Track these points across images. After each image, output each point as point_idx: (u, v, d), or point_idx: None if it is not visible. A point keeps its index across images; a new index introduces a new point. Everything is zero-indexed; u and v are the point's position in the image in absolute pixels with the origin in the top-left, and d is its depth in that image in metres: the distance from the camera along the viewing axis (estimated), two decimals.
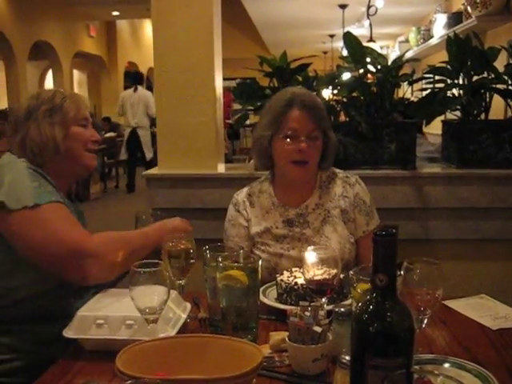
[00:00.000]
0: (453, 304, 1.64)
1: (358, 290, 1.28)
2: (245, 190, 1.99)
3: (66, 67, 12.45)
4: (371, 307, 0.85)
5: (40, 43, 11.29)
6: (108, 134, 10.90)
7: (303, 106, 1.81)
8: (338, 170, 1.99)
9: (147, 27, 15.70)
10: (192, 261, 1.51)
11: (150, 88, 12.21)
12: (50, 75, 12.82)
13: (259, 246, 1.90)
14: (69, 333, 1.33)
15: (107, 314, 1.34)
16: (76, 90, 14.35)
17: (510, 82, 2.45)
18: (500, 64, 2.49)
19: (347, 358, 1.00)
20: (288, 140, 1.80)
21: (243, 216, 1.93)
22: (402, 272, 1.22)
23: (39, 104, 1.63)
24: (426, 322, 1.23)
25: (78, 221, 1.54)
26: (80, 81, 15.35)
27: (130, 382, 0.92)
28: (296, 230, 1.88)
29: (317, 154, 1.84)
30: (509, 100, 2.50)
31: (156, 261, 1.28)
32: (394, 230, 0.81)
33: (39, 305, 1.52)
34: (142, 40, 15.78)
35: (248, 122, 3.21)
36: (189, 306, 1.49)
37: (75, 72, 14.44)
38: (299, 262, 1.70)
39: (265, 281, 1.66)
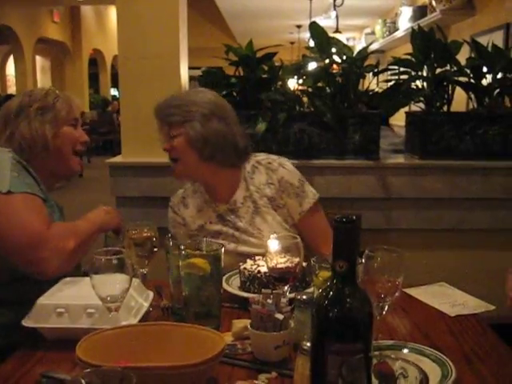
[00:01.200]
0: (413, 292, 1.67)
1: (320, 278, 1.29)
2: (180, 192, 2.01)
3: (28, 53, 12.19)
4: (331, 293, 0.86)
5: (1, 28, 11.02)
6: None
7: (157, 116, 1.86)
8: (261, 157, 1.94)
9: (112, 14, 15.45)
10: (155, 249, 1.50)
11: (114, 75, 12.03)
12: (11, 61, 12.52)
13: None
14: (28, 322, 1.31)
15: (68, 303, 1.32)
16: (39, 76, 14.08)
17: (471, 76, 2.49)
18: (462, 57, 2.53)
19: (308, 344, 1.01)
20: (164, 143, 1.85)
21: (180, 217, 1.95)
22: (363, 260, 1.23)
23: (31, 101, 1.65)
24: (386, 309, 1.25)
25: (48, 215, 1.55)
26: (43, 67, 15.05)
27: (90, 370, 0.91)
28: (229, 225, 1.88)
29: (182, 150, 1.79)
30: (470, 93, 2.55)
31: (118, 248, 1.27)
32: (354, 217, 0.82)
33: (13, 290, 1.52)
34: (107, 27, 15.54)
35: None
36: (151, 294, 1.48)
37: (38, 58, 14.15)
38: (238, 257, 1.74)
39: None
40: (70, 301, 1.33)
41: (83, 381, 0.85)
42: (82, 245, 1.53)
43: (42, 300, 1.35)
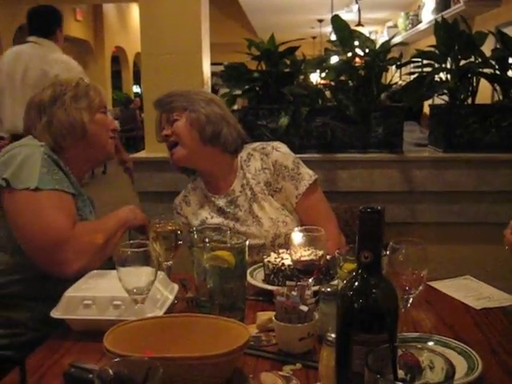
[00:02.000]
0: (437, 285, 1.65)
1: (345, 270, 1.29)
2: (181, 193, 2.01)
3: None
4: (356, 284, 0.86)
5: (25, 27, 11.16)
6: None
7: (157, 107, 1.90)
8: (256, 144, 1.94)
9: (134, 11, 15.54)
10: (179, 242, 1.51)
11: (136, 73, 12.11)
12: None
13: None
14: (56, 313, 1.33)
15: (95, 295, 1.34)
16: None
17: (496, 67, 2.46)
18: (487, 49, 2.50)
19: (333, 335, 1.02)
20: (157, 128, 1.89)
21: (182, 216, 1.95)
22: (387, 252, 1.23)
23: (65, 90, 1.67)
24: (410, 301, 1.25)
25: (75, 212, 1.57)
26: None
27: (117, 360, 0.92)
28: (230, 217, 1.88)
29: (183, 133, 1.81)
30: (495, 84, 2.52)
31: (144, 241, 1.28)
32: (378, 207, 0.82)
33: (45, 285, 1.53)
34: (129, 24, 15.63)
35: (236, 107, 3.21)
36: (176, 287, 1.49)
37: None
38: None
39: None
40: (97, 293, 1.35)
41: (111, 371, 0.86)
42: (108, 242, 1.55)
43: (70, 292, 1.37)
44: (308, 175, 1.86)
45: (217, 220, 1.88)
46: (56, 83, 1.72)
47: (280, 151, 1.87)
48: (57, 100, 1.65)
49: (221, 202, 1.90)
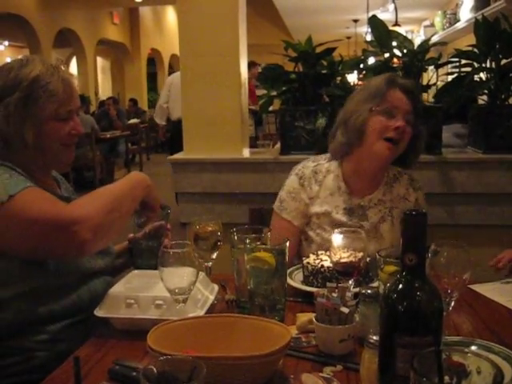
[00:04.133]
0: (479, 288, 1.63)
1: (385, 272, 1.28)
2: (310, 164, 1.92)
3: (90, 54, 12.56)
4: (401, 286, 0.86)
5: (64, 31, 11.40)
6: (132, 121, 11.00)
7: (404, 87, 1.80)
8: (403, 170, 1.95)
9: (170, 14, 15.73)
10: (219, 243, 1.52)
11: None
12: (74, 62, 12.93)
13: (315, 228, 1.87)
14: (100, 312, 1.36)
15: (137, 294, 1.36)
16: (100, 76, 14.49)
17: None
18: None
19: (375, 338, 1.02)
20: (385, 117, 1.76)
21: (307, 192, 1.88)
22: (429, 255, 1.22)
23: (15, 86, 1.40)
24: (452, 304, 1.23)
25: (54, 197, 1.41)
26: (103, 68, 15.48)
27: (162, 358, 0.94)
28: (354, 221, 1.83)
29: (407, 138, 1.79)
30: None
31: (185, 241, 1.30)
32: (423, 210, 0.82)
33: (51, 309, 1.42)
34: (164, 27, 15.82)
35: (271, 108, 3.22)
36: (216, 287, 1.51)
37: (99, 59, 14.56)
38: None
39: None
40: (140, 292, 1.37)
41: (155, 369, 0.88)
42: (115, 203, 1.38)
43: (113, 291, 1.40)
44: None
45: (342, 218, 1.84)
46: (11, 69, 1.43)
47: (423, 192, 1.95)
48: (2, 98, 1.40)
49: (354, 202, 1.86)
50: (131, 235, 1.66)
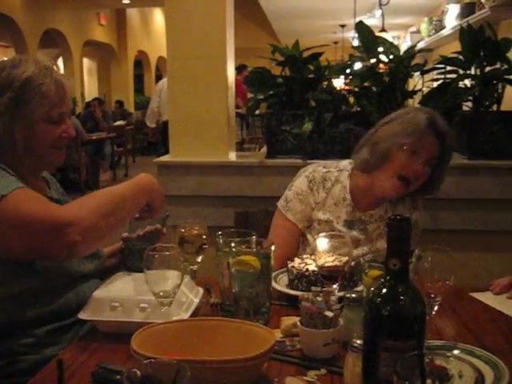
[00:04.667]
0: (481, 297, 1.63)
1: (369, 277, 1.29)
2: (321, 169, 1.92)
3: (76, 55, 12.49)
4: (384, 290, 0.86)
5: (51, 31, 11.33)
6: (118, 123, 10.96)
7: (441, 135, 1.77)
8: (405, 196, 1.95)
9: (157, 16, 15.70)
10: (205, 246, 1.52)
11: (158, 77, 12.16)
12: (60, 63, 12.86)
13: (313, 234, 1.87)
14: (84, 315, 1.35)
15: (122, 297, 1.36)
16: (86, 78, 14.41)
17: None
18: None
19: (358, 342, 1.02)
20: (410, 156, 1.75)
21: (314, 197, 1.89)
22: (413, 259, 1.23)
23: (7, 85, 1.39)
24: (435, 309, 1.25)
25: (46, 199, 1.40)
26: (90, 69, 15.40)
27: (145, 362, 0.94)
28: (353, 233, 1.85)
29: (420, 182, 1.80)
30: None
31: (170, 245, 1.30)
32: (407, 216, 0.82)
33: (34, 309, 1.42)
34: (151, 29, 15.78)
35: (258, 112, 3.22)
36: (201, 290, 1.50)
37: (85, 60, 14.49)
38: None
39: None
40: (124, 295, 1.37)
41: (139, 372, 0.87)
42: (113, 206, 1.36)
43: (98, 294, 1.39)
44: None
45: (342, 229, 1.84)
46: (4, 67, 1.41)
47: (422, 213, 1.98)
48: None
49: (355, 215, 1.88)
50: (125, 234, 1.63)
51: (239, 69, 7.96)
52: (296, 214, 1.89)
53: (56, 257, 1.37)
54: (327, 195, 1.89)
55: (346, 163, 1.95)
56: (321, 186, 1.89)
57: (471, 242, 2.54)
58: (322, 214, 1.88)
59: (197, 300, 1.45)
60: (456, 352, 1.22)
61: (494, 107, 2.52)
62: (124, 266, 1.63)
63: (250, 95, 2.65)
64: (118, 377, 1.09)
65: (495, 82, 2.48)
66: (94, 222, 1.31)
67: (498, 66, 2.49)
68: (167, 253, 1.25)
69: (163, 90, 6.94)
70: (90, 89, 14.94)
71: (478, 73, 2.48)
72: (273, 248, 1.36)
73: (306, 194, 1.89)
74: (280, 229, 1.89)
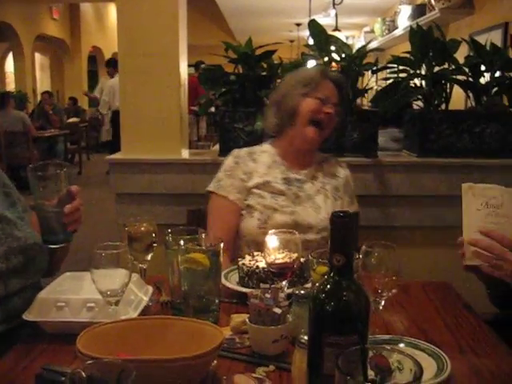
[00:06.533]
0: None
1: (318, 273, 1.30)
2: (245, 148, 2.07)
3: (28, 50, 12.18)
4: (328, 286, 0.87)
5: (0, 25, 11.01)
6: (71, 120, 10.75)
7: (336, 81, 1.99)
8: (329, 155, 2.14)
9: (112, 11, 15.43)
10: (154, 244, 1.51)
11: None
12: (10, 58, 12.52)
13: (255, 198, 1.95)
14: (29, 316, 1.32)
15: (68, 297, 1.33)
16: (38, 73, 14.07)
17: (469, 74, 2.50)
18: (461, 56, 2.54)
19: (306, 338, 1.03)
20: (318, 101, 1.92)
21: (242, 169, 1.98)
22: (360, 255, 1.25)
23: None
24: (383, 303, 1.27)
25: None
26: (42, 65, 15.03)
27: (90, 362, 0.92)
28: (292, 191, 1.96)
29: (332, 125, 1.97)
30: (468, 91, 2.56)
31: (117, 243, 1.28)
32: (350, 212, 0.83)
33: None
34: (106, 24, 15.52)
35: (213, 109, 3.21)
36: (151, 289, 1.49)
37: (37, 55, 14.13)
38: (290, 221, 1.88)
39: (253, 234, 1.87)
40: (71, 295, 1.34)
41: (83, 373, 0.86)
42: None
43: (43, 294, 1.36)
44: (357, 204, 2.11)
45: (281, 187, 1.96)
46: None
47: (349, 173, 2.12)
48: None
49: (291, 175, 1.99)
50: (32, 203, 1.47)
51: (197, 66, 7.95)
52: (226, 188, 1.96)
53: None
54: (256, 164, 2.00)
55: (266, 143, 2.09)
56: (247, 158, 2.01)
57: (421, 238, 2.60)
58: (259, 178, 1.97)
59: (146, 298, 1.43)
60: (402, 345, 1.25)
61: (443, 106, 2.58)
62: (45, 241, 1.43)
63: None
64: (63, 378, 1.07)
65: (444, 81, 2.54)
66: None
67: (446, 66, 2.55)
68: (114, 251, 1.23)
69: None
70: (43, 85, 14.58)
71: (428, 73, 2.53)
72: (222, 245, 1.35)
73: (234, 169, 1.99)
74: (215, 210, 1.97)
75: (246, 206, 1.95)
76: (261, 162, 2.01)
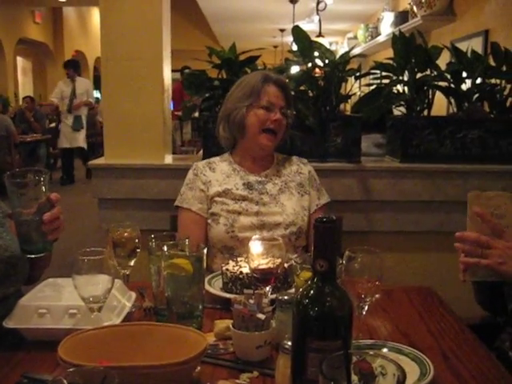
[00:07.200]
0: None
1: (301, 278, 1.30)
2: (204, 161, 2.10)
3: (9, 54, 12.07)
4: (312, 292, 0.87)
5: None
6: (53, 124, 10.66)
7: (278, 83, 2.00)
8: (287, 156, 2.17)
9: (95, 15, 15.36)
10: (137, 250, 1.50)
11: (97, 77, 11.91)
12: None
13: (219, 205, 1.97)
14: (9, 323, 1.30)
15: (49, 303, 1.31)
16: (20, 78, 13.95)
17: (451, 81, 2.53)
18: (442, 63, 2.57)
19: (289, 343, 1.03)
20: (264, 111, 1.95)
21: (201, 179, 2.01)
22: (343, 261, 1.25)
23: None
24: (366, 308, 1.27)
25: None
26: (24, 69, 14.89)
27: (72, 369, 0.91)
28: (255, 194, 1.98)
29: (284, 129, 2.01)
30: (450, 97, 2.59)
31: (100, 249, 1.27)
32: (333, 217, 0.83)
33: None
34: (89, 29, 15.43)
35: (196, 114, 3.20)
36: (134, 295, 1.48)
37: (19, 59, 14.00)
38: (256, 222, 1.91)
39: (222, 240, 1.88)
40: (52, 301, 1.33)
41: (65, 381, 0.85)
42: None
43: (24, 301, 1.34)
44: (327, 195, 2.13)
45: (242, 192, 1.98)
46: None
47: (312, 167, 2.15)
48: None
49: (251, 178, 2.02)
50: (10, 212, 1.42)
51: (182, 71, 7.92)
52: (189, 201, 1.99)
53: None
54: (214, 173, 2.03)
55: (226, 154, 2.12)
56: (205, 168, 2.05)
57: (404, 243, 2.61)
58: (218, 186, 2.00)
59: (129, 304, 1.42)
60: (385, 350, 1.25)
61: (425, 112, 2.60)
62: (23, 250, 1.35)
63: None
64: None
65: (426, 87, 2.56)
66: None
67: (428, 72, 2.57)
68: (96, 257, 1.22)
69: None
70: (25, 89, 14.45)
71: (410, 79, 2.55)
72: (205, 251, 1.35)
73: (193, 181, 2.03)
74: (182, 223, 2.00)
75: (210, 215, 1.97)
76: (219, 170, 2.04)
